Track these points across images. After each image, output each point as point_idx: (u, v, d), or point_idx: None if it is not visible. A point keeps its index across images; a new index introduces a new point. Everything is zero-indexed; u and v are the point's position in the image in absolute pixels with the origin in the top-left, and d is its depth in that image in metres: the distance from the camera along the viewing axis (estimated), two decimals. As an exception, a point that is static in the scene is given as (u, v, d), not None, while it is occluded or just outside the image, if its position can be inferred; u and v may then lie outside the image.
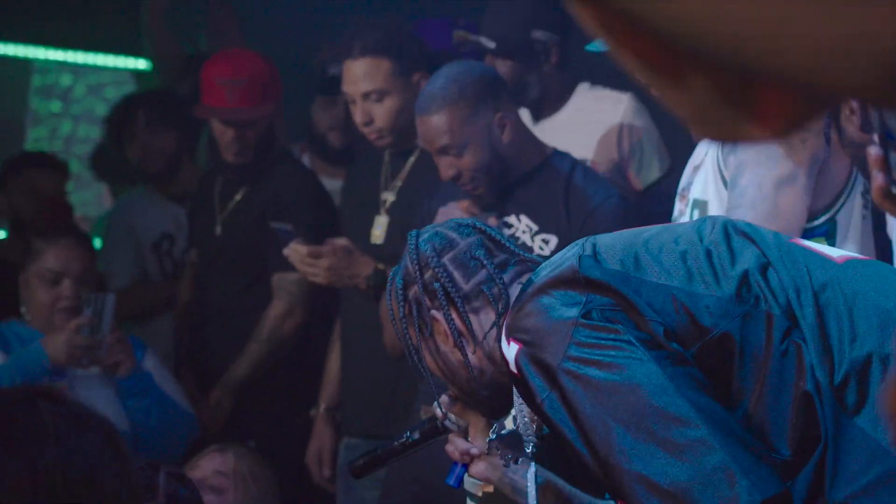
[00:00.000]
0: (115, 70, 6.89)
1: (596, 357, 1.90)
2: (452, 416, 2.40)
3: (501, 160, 3.54)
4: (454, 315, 2.21)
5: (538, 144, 3.67)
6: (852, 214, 2.90)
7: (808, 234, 2.86)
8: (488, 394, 2.24)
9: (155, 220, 5.17)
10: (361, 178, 4.20)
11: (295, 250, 3.87)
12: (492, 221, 3.46)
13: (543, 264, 2.10)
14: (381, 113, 3.91)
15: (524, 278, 2.17)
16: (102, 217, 6.06)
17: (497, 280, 2.19)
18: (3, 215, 5.32)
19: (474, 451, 2.37)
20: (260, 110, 4.42)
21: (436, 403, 2.40)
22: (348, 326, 4.18)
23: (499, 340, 2.09)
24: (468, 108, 3.49)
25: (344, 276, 3.85)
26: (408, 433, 2.49)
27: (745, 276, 1.96)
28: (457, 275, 2.21)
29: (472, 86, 3.51)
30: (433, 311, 2.22)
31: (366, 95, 3.90)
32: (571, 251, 2.03)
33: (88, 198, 7.18)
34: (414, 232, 2.30)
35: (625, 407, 1.87)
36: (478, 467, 2.37)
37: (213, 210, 4.59)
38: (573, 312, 1.93)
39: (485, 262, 2.21)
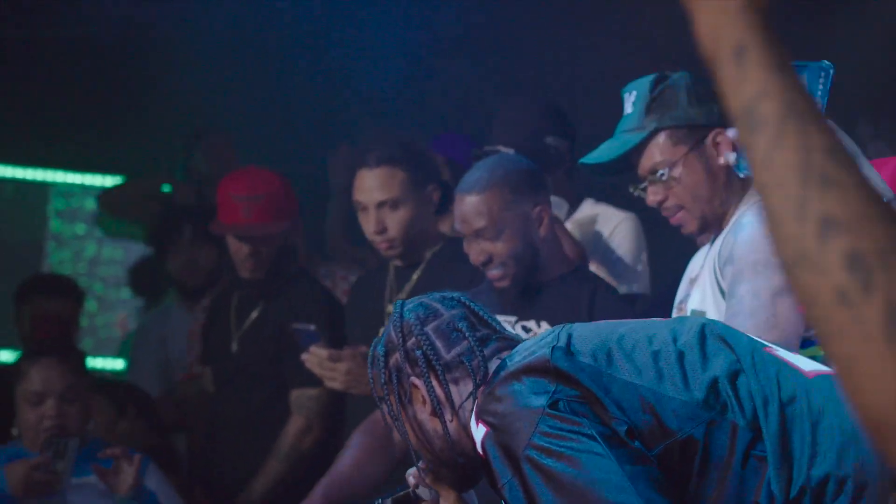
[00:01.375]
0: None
1: (558, 448, 1.92)
2: (424, 486, 2.38)
3: (535, 253, 3.55)
4: (434, 383, 2.23)
5: (570, 250, 3.68)
6: None
7: (805, 342, 2.84)
8: (462, 462, 2.24)
9: (186, 334, 5.17)
10: (366, 290, 4.19)
11: (315, 353, 3.86)
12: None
13: (518, 348, 2.13)
14: (395, 222, 3.93)
15: (503, 354, 2.19)
16: (130, 334, 6.09)
17: (477, 352, 2.21)
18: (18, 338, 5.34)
19: None
20: (275, 227, 4.47)
21: (409, 472, 2.39)
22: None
23: (471, 418, 2.11)
24: (510, 193, 3.52)
25: (362, 382, 3.81)
26: (380, 500, 2.44)
27: (715, 382, 1.96)
28: (439, 344, 2.25)
29: (515, 173, 3.56)
30: (413, 378, 2.25)
31: (380, 204, 3.92)
32: (546, 339, 2.06)
33: (112, 319, 7.19)
34: (399, 301, 2.33)
35: (581, 501, 1.88)
36: None
37: (228, 327, 4.60)
38: (541, 401, 1.95)
39: (467, 334, 2.24)
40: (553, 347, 2.01)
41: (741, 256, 2.85)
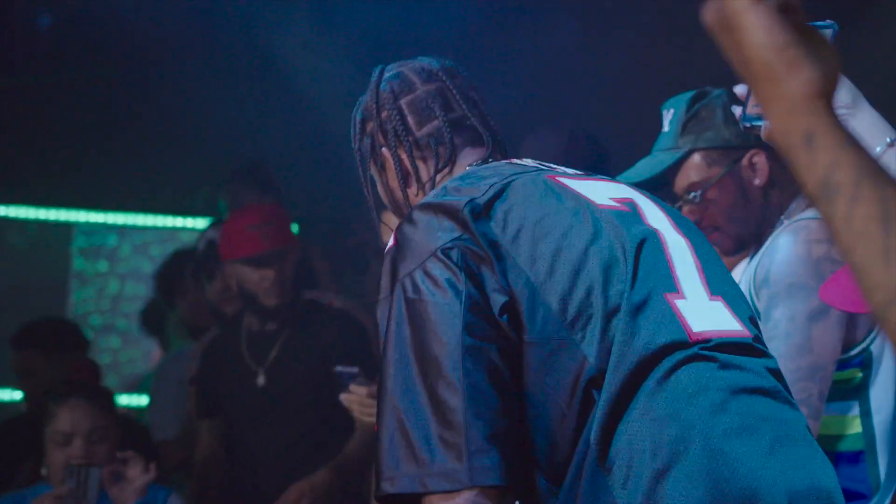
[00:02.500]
0: (158, 229, 6.97)
1: (428, 292, 1.94)
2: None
3: None
4: (403, 157, 2.24)
5: None
6: (886, 344, 2.85)
7: (842, 364, 2.83)
8: None
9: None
10: None
11: (354, 391, 3.83)
12: None
13: (464, 174, 2.14)
14: None
15: (477, 150, 2.23)
16: (150, 374, 6.07)
17: (447, 135, 2.22)
18: (19, 375, 5.34)
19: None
20: (292, 243, 4.59)
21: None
22: None
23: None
24: None
25: None
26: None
27: (590, 310, 1.94)
28: (410, 120, 2.25)
29: None
30: (383, 149, 2.26)
31: None
32: (483, 182, 2.05)
33: (136, 355, 7.20)
34: (379, 66, 2.33)
35: (422, 345, 1.92)
36: None
37: (245, 362, 4.60)
38: (439, 243, 1.96)
39: (438, 114, 2.23)
40: (471, 200, 2.00)
41: (777, 279, 2.82)
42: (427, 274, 1.95)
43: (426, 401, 1.91)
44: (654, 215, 2.10)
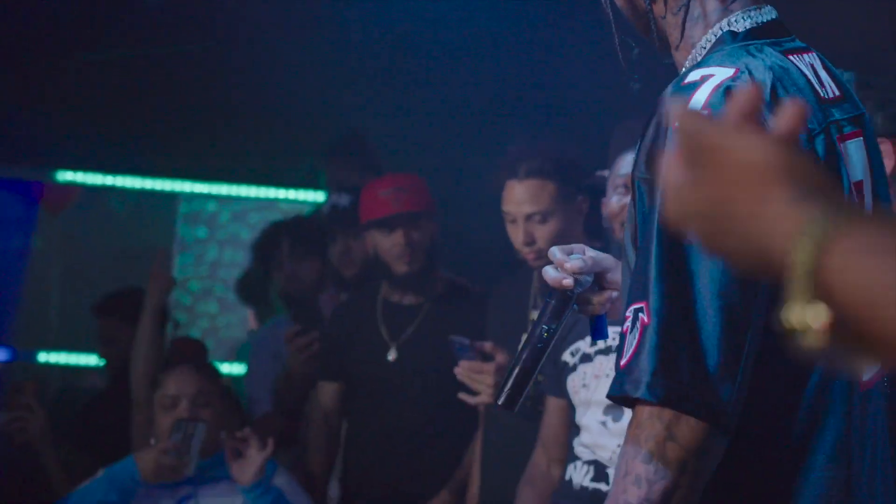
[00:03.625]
0: (259, 200, 7.08)
1: None
2: (581, 284, 2.22)
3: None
4: None
5: None
6: None
7: None
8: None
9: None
10: (509, 296, 4.22)
11: (465, 366, 3.85)
12: None
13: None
14: (543, 234, 3.95)
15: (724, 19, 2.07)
16: (246, 343, 6.16)
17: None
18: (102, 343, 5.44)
19: (618, 291, 2.21)
20: (426, 212, 4.55)
21: (558, 275, 2.22)
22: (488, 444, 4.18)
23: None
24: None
25: None
26: (543, 324, 2.20)
27: None
28: None
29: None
30: None
31: (529, 216, 3.95)
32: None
33: (233, 320, 7.31)
34: None
35: None
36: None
37: (378, 335, 4.56)
38: None
39: None
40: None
41: None
42: None
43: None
44: None
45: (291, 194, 6.79)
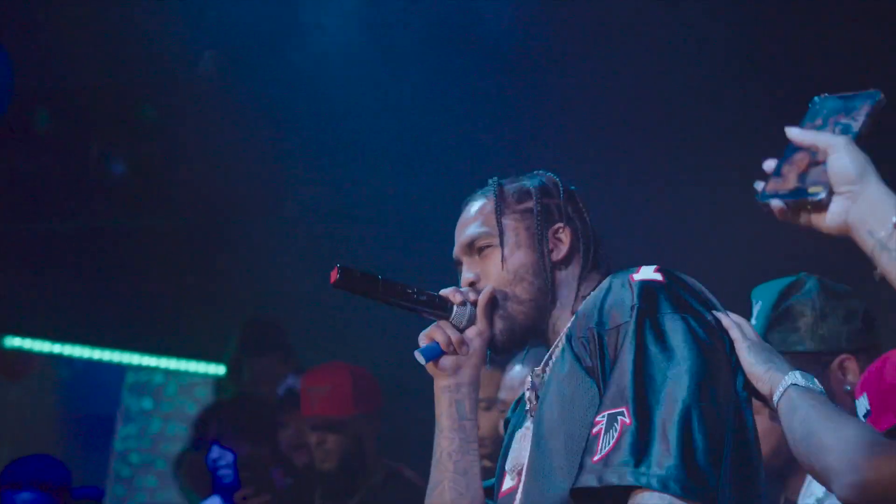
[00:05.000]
0: (207, 374, 7.06)
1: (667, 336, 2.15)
2: (463, 310, 2.39)
3: None
4: (576, 235, 2.42)
5: None
6: None
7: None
8: (535, 309, 2.38)
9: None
10: None
11: None
12: None
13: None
14: None
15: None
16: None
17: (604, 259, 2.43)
18: None
19: (467, 349, 2.41)
20: (344, 415, 4.48)
21: (448, 290, 2.43)
22: None
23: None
24: None
25: None
26: (416, 288, 2.40)
27: None
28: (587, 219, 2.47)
29: None
30: (568, 226, 2.42)
31: None
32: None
33: (173, 497, 7.22)
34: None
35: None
36: (453, 363, 2.42)
37: None
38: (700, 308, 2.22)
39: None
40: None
41: None
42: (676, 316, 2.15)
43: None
44: None
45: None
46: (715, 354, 2.14)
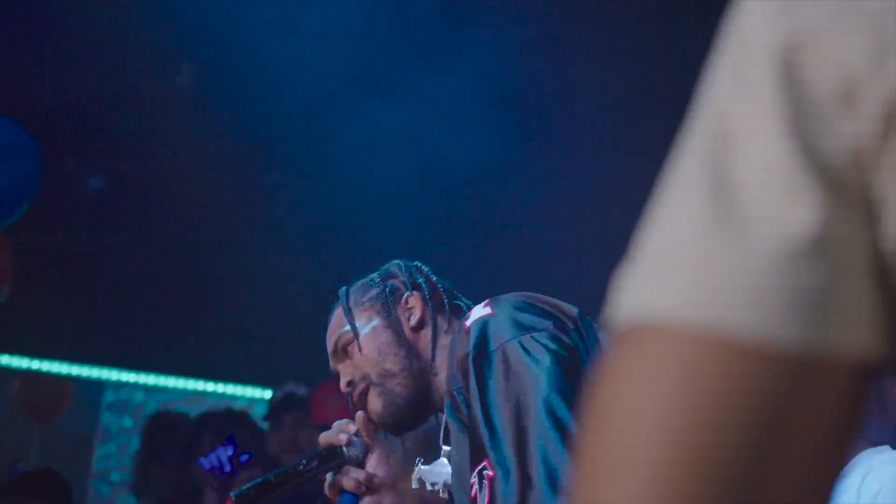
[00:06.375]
0: (186, 390, 7.03)
1: (523, 361, 2.17)
2: (354, 446, 2.45)
3: None
4: (424, 298, 2.51)
5: None
6: None
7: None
8: (418, 392, 2.44)
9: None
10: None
11: None
12: None
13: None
14: None
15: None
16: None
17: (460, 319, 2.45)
18: None
19: (377, 480, 2.46)
20: None
21: (335, 428, 2.50)
22: None
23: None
24: None
25: None
26: (304, 460, 2.45)
27: None
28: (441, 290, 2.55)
29: None
30: (414, 293, 2.51)
31: None
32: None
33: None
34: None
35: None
36: (372, 499, 2.47)
37: None
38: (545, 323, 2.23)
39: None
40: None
41: None
42: (528, 343, 2.20)
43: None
44: None
45: (220, 388, 6.74)
46: (564, 363, 2.15)
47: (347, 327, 2.51)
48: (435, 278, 2.55)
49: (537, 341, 2.14)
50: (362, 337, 2.47)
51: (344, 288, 2.59)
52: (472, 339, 2.18)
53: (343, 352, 2.51)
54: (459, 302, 2.52)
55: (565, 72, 5.40)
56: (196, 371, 6.74)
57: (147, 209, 6.01)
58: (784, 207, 0.69)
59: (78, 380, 6.78)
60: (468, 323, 2.22)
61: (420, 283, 2.52)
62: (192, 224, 6.08)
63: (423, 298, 2.49)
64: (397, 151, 5.61)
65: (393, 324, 2.48)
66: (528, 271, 5.61)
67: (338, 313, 2.56)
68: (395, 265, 2.57)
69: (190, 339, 6.45)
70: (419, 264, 2.58)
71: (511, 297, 2.26)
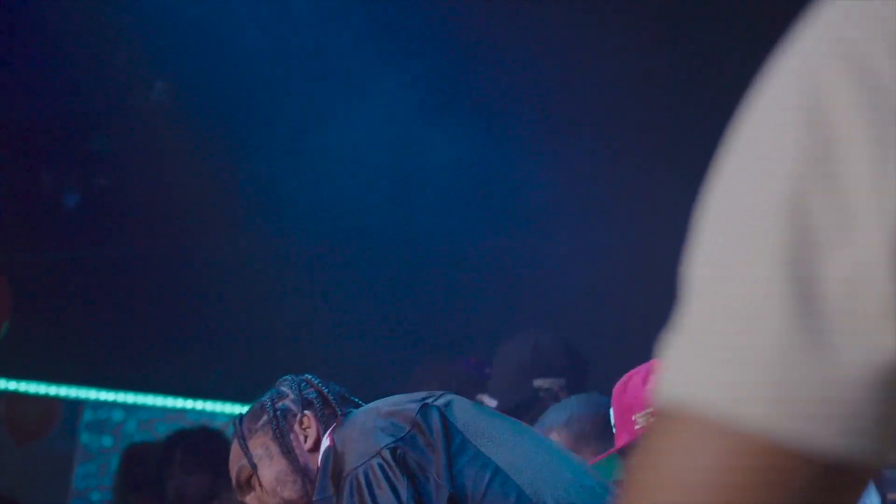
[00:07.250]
0: (165, 408, 6.97)
1: (368, 493, 2.21)
2: None
3: None
4: (317, 416, 2.56)
5: None
6: None
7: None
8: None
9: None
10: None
11: None
12: None
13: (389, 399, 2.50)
14: None
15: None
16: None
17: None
18: None
19: None
20: None
21: None
22: None
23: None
24: None
25: None
26: None
27: None
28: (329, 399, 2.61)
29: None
30: (306, 412, 2.56)
31: None
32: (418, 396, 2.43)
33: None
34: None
35: None
36: None
37: None
38: (385, 442, 2.27)
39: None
40: (427, 403, 2.35)
41: None
42: (372, 473, 2.24)
43: None
44: None
45: (199, 405, 6.68)
46: (406, 483, 2.22)
47: (244, 461, 2.55)
48: (326, 389, 2.57)
49: (379, 467, 2.20)
50: (259, 469, 2.50)
51: (238, 415, 2.64)
52: (321, 471, 2.31)
53: (247, 484, 2.56)
54: (350, 408, 2.53)
55: (552, 78, 5.39)
56: (176, 389, 6.68)
57: (124, 226, 5.97)
58: (877, 335, 0.67)
59: (56, 399, 6.72)
60: (319, 457, 2.36)
61: (311, 400, 2.54)
62: (170, 241, 6.04)
63: (316, 416, 2.52)
64: (377, 161, 5.59)
65: (287, 450, 2.50)
66: (504, 281, 5.58)
67: (234, 448, 2.61)
68: (285, 383, 2.61)
69: (169, 357, 6.40)
70: (309, 376, 2.61)
71: (356, 415, 2.37)
